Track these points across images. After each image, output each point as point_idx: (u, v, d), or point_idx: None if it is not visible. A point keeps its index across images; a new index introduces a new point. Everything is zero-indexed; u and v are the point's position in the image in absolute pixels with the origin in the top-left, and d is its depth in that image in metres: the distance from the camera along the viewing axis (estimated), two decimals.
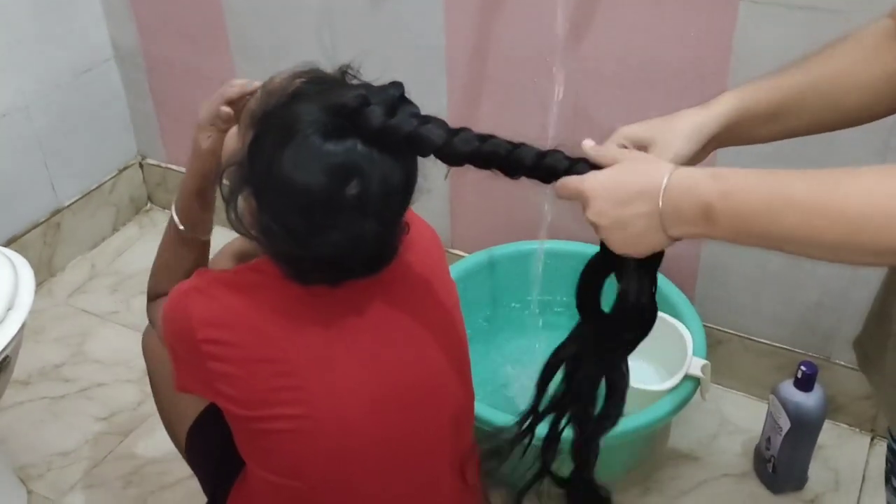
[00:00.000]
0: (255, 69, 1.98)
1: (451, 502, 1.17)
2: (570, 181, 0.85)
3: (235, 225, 1.02)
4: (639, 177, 0.80)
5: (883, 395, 0.94)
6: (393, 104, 0.93)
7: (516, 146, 0.88)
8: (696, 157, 0.92)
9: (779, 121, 0.91)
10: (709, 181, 0.75)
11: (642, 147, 0.90)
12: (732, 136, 0.92)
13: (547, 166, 0.87)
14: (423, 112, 0.95)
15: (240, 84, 1.12)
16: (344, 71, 1.00)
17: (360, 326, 1.04)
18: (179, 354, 1.05)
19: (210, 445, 1.23)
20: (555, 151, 0.88)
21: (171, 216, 1.21)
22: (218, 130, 1.12)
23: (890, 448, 0.99)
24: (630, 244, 0.82)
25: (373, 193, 0.92)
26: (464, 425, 1.15)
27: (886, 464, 0.99)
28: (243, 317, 1.01)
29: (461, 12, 1.68)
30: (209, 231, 1.22)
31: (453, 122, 1.88)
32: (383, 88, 0.95)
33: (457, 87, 1.76)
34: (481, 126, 1.84)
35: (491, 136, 0.90)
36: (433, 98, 1.78)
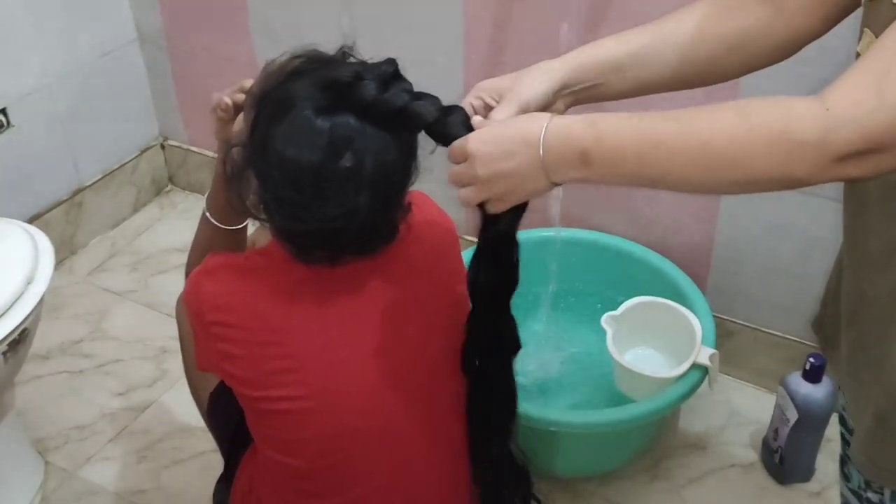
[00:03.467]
0: (276, 52, 1.98)
1: (452, 487, 1.17)
2: (456, 143, 0.87)
3: (237, 205, 1.05)
4: (518, 128, 0.84)
5: (839, 374, 0.96)
6: (386, 80, 0.94)
7: None
8: (551, 107, 0.94)
9: (627, 70, 0.94)
10: (583, 127, 0.80)
11: (499, 97, 0.94)
12: (588, 87, 0.94)
13: None
14: (443, 97, 0.96)
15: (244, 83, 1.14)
16: (343, 51, 1.02)
17: (360, 308, 1.05)
18: (197, 335, 1.08)
19: (229, 411, 1.25)
20: None
21: (204, 206, 1.24)
22: (218, 119, 1.15)
23: (842, 434, 1.00)
24: (514, 192, 0.85)
25: (366, 167, 0.94)
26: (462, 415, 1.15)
27: (841, 446, 1.01)
28: (246, 300, 1.04)
29: None
30: (239, 223, 1.24)
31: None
32: (377, 65, 0.96)
33: (475, 72, 1.77)
34: None
35: None
36: (451, 83, 1.79)
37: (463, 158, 0.86)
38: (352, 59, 1.01)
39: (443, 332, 1.10)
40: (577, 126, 0.80)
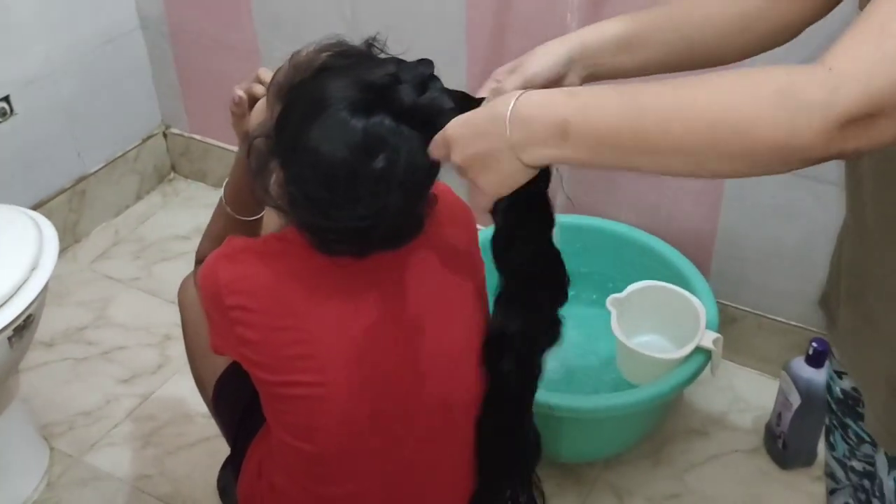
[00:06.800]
0: (278, 40, 1.99)
1: (467, 474, 1.17)
2: (437, 136, 0.86)
3: (262, 196, 1.04)
4: (489, 107, 0.79)
5: (840, 349, 0.96)
6: (423, 82, 0.93)
7: None
8: (564, 80, 0.93)
9: (633, 51, 0.93)
10: (564, 98, 0.75)
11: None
12: (597, 63, 0.94)
13: None
14: (446, 84, 0.96)
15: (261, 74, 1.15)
16: (370, 44, 1.01)
17: (380, 299, 1.05)
18: (213, 318, 1.08)
19: (237, 396, 1.25)
20: None
21: (221, 195, 1.23)
22: (233, 115, 1.15)
23: (828, 403, 1.01)
24: (493, 177, 0.80)
25: (399, 167, 0.93)
26: (476, 407, 1.14)
27: (828, 416, 1.02)
28: (266, 285, 1.03)
29: None
30: (256, 214, 1.24)
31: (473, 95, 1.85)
32: (413, 66, 0.95)
33: (476, 58, 1.77)
34: None
35: None
36: (453, 69, 1.79)
37: (446, 150, 0.84)
38: (381, 55, 1.00)
39: (465, 322, 1.10)
40: (556, 96, 0.75)
